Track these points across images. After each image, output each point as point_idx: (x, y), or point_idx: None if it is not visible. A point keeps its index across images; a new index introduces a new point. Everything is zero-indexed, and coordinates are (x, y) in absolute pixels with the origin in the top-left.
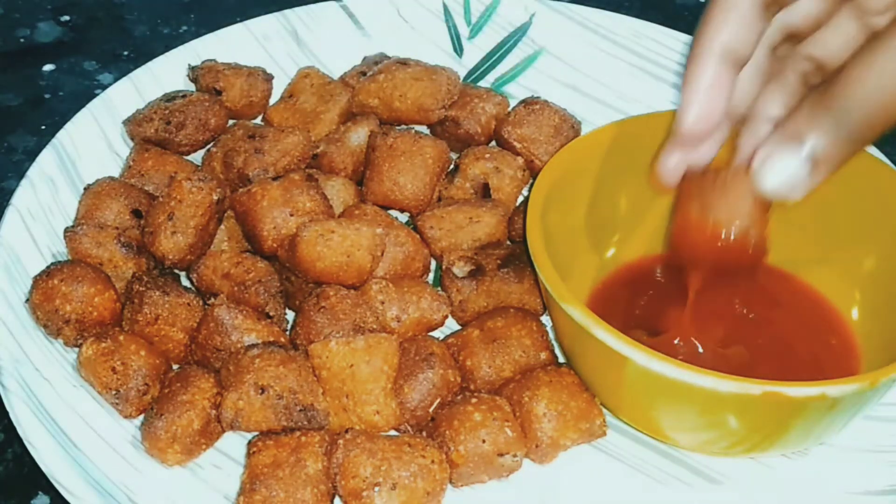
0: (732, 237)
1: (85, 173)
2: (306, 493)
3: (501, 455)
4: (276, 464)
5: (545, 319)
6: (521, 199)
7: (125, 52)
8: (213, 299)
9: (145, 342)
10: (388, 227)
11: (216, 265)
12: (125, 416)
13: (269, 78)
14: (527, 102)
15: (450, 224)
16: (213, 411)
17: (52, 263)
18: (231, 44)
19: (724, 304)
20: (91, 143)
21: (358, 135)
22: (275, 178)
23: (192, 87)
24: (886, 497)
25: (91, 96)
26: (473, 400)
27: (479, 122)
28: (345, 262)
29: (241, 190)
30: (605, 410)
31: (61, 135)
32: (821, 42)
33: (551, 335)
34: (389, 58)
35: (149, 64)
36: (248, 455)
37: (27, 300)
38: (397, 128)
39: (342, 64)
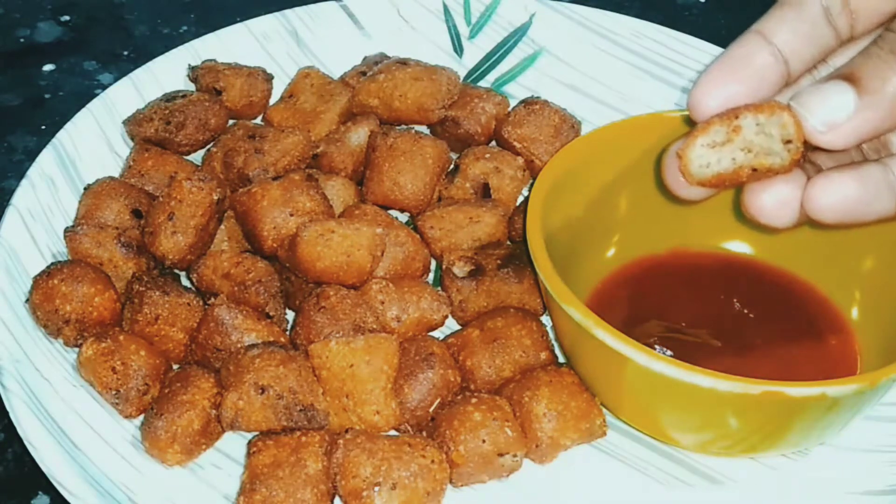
0: None
1: (85, 173)
2: (306, 493)
3: (501, 455)
4: (276, 464)
5: (545, 319)
6: (521, 199)
7: (125, 52)
8: (213, 299)
9: (145, 342)
10: (388, 227)
11: (216, 265)
12: (125, 416)
13: (269, 78)
14: (527, 102)
15: (450, 224)
16: (213, 411)
17: (52, 263)
18: (231, 44)
19: (724, 304)
20: (91, 143)
21: (358, 135)
22: (275, 178)
23: (192, 87)
24: (886, 497)
25: (91, 96)
26: (473, 400)
27: (479, 122)
28: (345, 262)
29: (241, 190)
30: (605, 410)
31: (61, 135)
32: None
33: (551, 335)
34: (389, 58)
35: (149, 64)
36: (248, 455)
37: (27, 300)
38: (397, 128)
39: (342, 64)
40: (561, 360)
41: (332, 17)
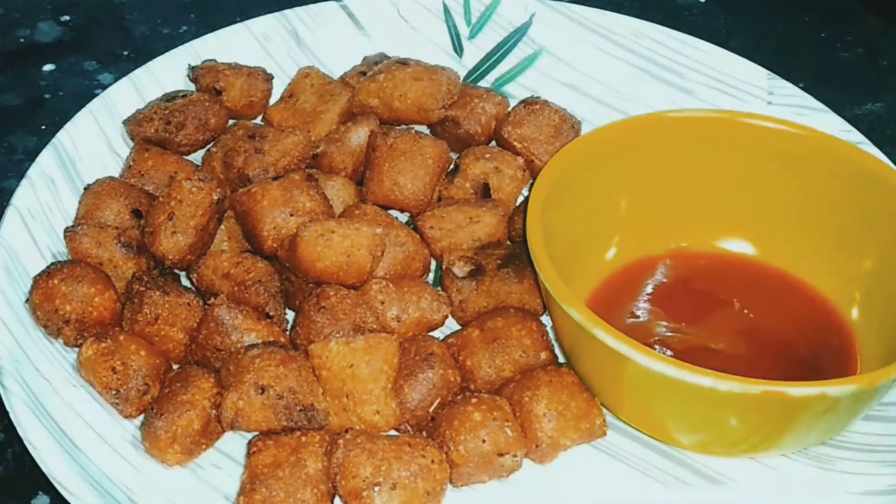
0: None
1: (85, 173)
2: (306, 493)
3: (501, 455)
4: (276, 464)
5: (545, 319)
6: (521, 199)
7: (125, 52)
8: (213, 299)
9: (145, 342)
10: (388, 227)
11: (216, 265)
12: (125, 416)
13: (269, 78)
14: (527, 102)
15: (450, 224)
16: (213, 411)
17: (52, 263)
18: (231, 44)
19: (724, 304)
20: (91, 143)
21: (358, 135)
22: (275, 178)
23: (192, 87)
24: (886, 497)
25: (91, 96)
26: (473, 400)
27: (479, 122)
28: (345, 262)
29: (241, 190)
30: (605, 410)
31: (61, 135)
32: None
33: (551, 335)
34: (389, 58)
35: (149, 64)
36: (248, 455)
37: (27, 300)
38: (397, 128)
39: (342, 64)
40: (561, 360)
41: (332, 17)
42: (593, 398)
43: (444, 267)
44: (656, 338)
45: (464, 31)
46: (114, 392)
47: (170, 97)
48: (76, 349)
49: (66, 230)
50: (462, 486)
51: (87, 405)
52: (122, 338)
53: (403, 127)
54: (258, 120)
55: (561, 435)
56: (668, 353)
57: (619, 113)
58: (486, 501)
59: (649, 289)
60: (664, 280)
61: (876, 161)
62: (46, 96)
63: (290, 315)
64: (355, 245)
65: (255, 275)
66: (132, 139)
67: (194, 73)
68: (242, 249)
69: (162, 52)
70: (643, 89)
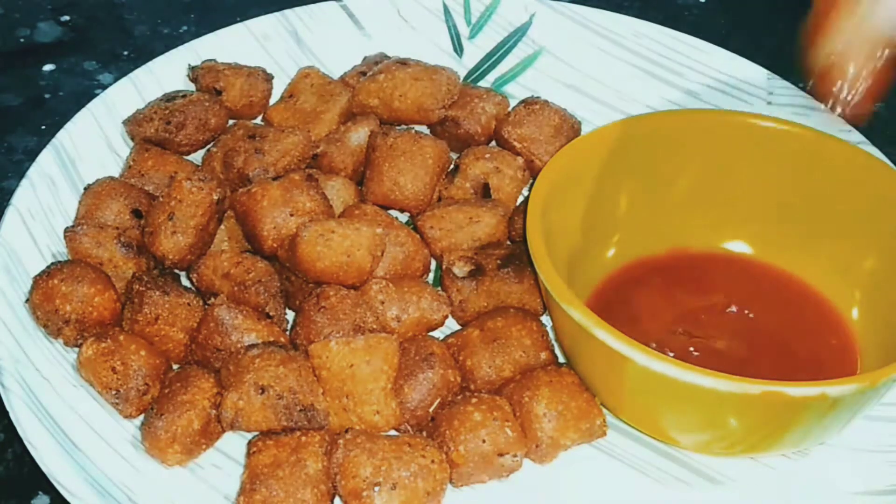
0: None
1: (85, 173)
2: (306, 493)
3: (501, 455)
4: (276, 464)
5: (545, 319)
6: (521, 199)
7: (125, 52)
8: (213, 299)
9: (145, 342)
10: (388, 227)
11: (216, 265)
12: (125, 416)
13: (269, 78)
14: (527, 102)
15: (450, 224)
16: (213, 411)
17: (52, 263)
18: (231, 44)
19: (724, 304)
20: (91, 143)
21: (358, 135)
22: (275, 178)
23: (192, 87)
24: (886, 497)
25: (91, 96)
26: (473, 400)
27: (479, 122)
28: (345, 262)
29: (241, 190)
30: (605, 410)
31: (61, 135)
32: None
33: (551, 335)
34: (389, 58)
35: (149, 64)
36: (248, 455)
37: (27, 300)
38: (397, 128)
39: (342, 64)
40: (561, 360)
41: (332, 17)
42: (593, 398)
43: (444, 267)
44: (656, 338)
45: (464, 31)
46: (114, 392)
47: (170, 97)
48: (76, 349)
49: (66, 230)
50: (462, 486)
51: (87, 405)
52: (122, 338)
53: (403, 127)
54: (258, 120)
55: (561, 435)
56: (669, 353)
57: (619, 113)
58: (486, 501)
59: (649, 289)
60: (664, 280)
61: (876, 161)
62: (46, 96)
63: (290, 315)
64: (355, 245)
65: (255, 275)
66: (132, 139)
67: (194, 73)
68: (242, 249)
69: (162, 52)
70: (643, 89)
